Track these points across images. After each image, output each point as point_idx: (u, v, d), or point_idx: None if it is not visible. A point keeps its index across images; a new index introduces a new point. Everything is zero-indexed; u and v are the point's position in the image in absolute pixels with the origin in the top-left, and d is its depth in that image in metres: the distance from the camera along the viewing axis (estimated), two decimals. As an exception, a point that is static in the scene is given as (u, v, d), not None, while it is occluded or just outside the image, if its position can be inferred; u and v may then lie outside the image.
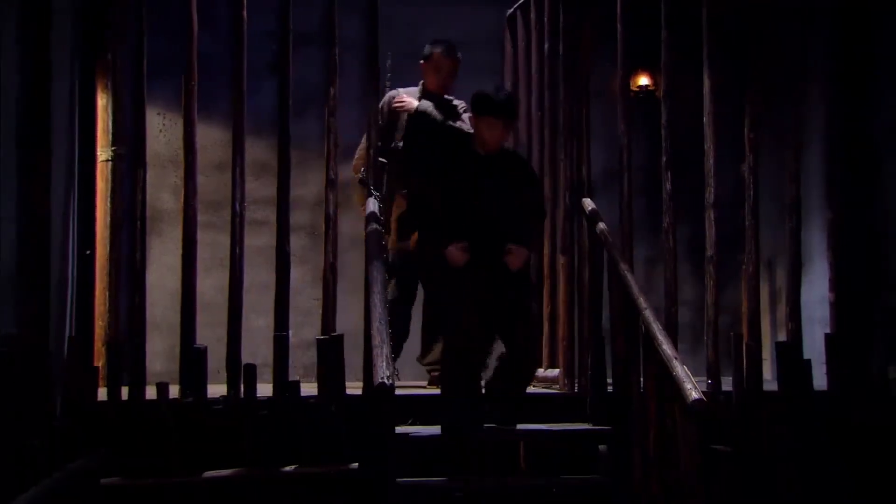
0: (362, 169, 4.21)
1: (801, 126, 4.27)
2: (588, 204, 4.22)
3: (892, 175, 4.29)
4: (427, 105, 4.51)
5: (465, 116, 4.48)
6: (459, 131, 4.46)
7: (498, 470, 3.79)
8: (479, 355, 3.70)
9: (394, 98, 4.51)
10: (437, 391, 4.22)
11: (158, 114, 5.32)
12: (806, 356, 4.02)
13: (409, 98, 4.52)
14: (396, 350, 4.25)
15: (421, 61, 4.55)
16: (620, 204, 4.26)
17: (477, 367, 3.69)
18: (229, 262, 3.88)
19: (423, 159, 4.27)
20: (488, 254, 3.67)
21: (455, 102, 4.59)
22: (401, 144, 4.49)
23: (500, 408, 3.71)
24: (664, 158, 4.20)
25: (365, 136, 4.26)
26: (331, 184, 3.98)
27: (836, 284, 4.13)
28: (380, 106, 4.40)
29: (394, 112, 4.50)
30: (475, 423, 3.62)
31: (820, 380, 4.03)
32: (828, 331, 4.12)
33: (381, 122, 4.39)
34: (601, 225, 4.06)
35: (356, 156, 4.51)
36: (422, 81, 4.57)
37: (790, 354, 4.01)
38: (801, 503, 3.73)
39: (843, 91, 4.47)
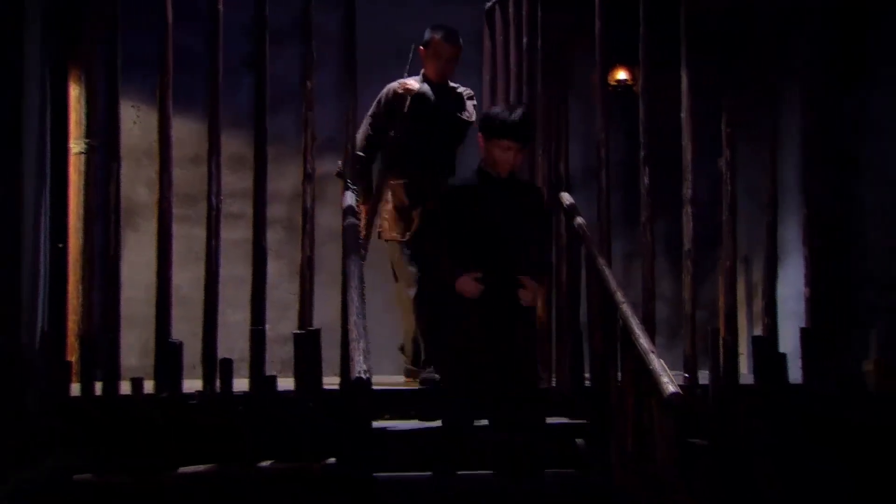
0: (339, 162, 4.18)
1: (778, 123, 4.30)
2: (566, 198, 4.22)
3: (868, 172, 4.32)
4: (427, 89, 4.36)
5: (470, 105, 4.44)
6: (461, 120, 4.38)
7: (476, 464, 3.79)
8: (479, 355, 3.56)
9: (393, 89, 4.38)
10: (416, 386, 4.22)
11: (133, 106, 5.27)
12: (782, 350, 4.05)
13: (412, 81, 4.39)
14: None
15: (420, 47, 4.42)
16: (599, 199, 4.27)
17: (477, 368, 3.57)
18: (205, 255, 3.85)
19: (419, 151, 4.26)
20: (500, 283, 3.50)
21: (460, 90, 4.47)
22: (395, 134, 4.36)
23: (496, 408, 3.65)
24: (642, 154, 4.21)
25: (363, 128, 4.30)
26: (308, 178, 3.95)
27: (812, 280, 4.16)
28: (378, 97, 4.38)
29: (393, 102, 4.35)
30: (472, 422, 3.58)
31: (796, 373, 4.06)
32: (803, 325, 4.15)
33: (378, 111, 4.36)
34: (579, 219, 4.07)
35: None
36: (422, 70, 4.43)
37: (766, 348, 4.04)
38: (779, 497, 3.75)
39: (822, 89, 4.49)
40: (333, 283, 3.95)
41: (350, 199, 3.97)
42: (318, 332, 3.73)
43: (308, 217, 3.91)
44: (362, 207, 4.30)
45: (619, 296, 3.74)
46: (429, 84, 4.40)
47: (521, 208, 3.57)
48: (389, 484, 3.42)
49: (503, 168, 3.52)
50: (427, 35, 4.41)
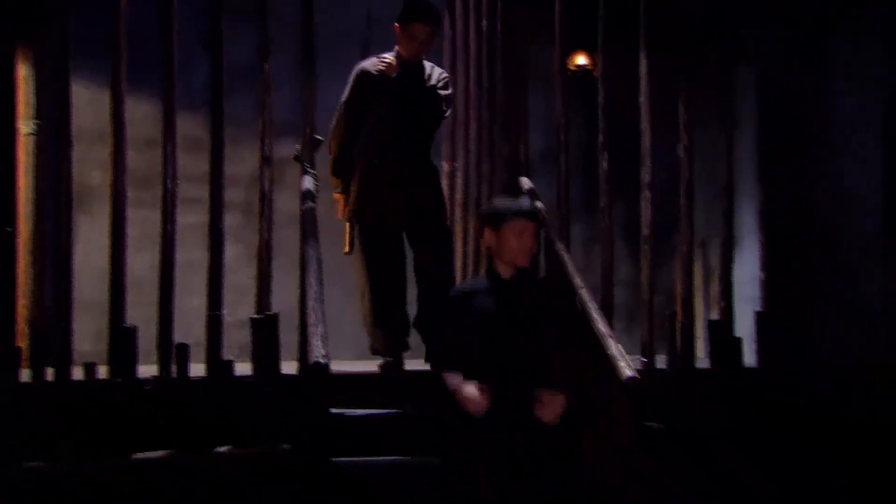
0: (297, 146, 4.13)
1: (735, 109, 4.33)
2: (525, 183, 4.22)
3: (821, 159, 4.38)
4: (403, 68, 4.08)
5: (445, 88, 4.19)
6: (439, 98, 4.14)
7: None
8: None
9: (364, 69, 4.15)
10: (376, 370, 4.20)
11: (86, 87, 5.16)
12: (739, 335, 4.10)
13: (388, 57, 4.11)
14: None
15: (396, 24, 4.15)
16: (558, 184, 4.28)
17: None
18: (160, 240, 3.79)
19: (395, 136, 4.04)
20: (511, 398, 2.98)
21: (436, 71, 4.21)
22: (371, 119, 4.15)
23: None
24: (601, 139, 4.22)
25: (336, 118, 4.16)
26: (266, 161, 3.91)
27: (767, 264, 4.21)
28: (349, 80, 4.19)
29: (367, 83, 4.12)
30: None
31: (753, 357, 4.11)
32: (759, 309, 4.20)
33: (351, 96, 4.15)
34: (538, 204, 4.07)
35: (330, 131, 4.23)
36: (396, 47, 4.16)
37: (721, 332, 4.09)
38: (735, 479, 3.80)
39: (778, 75, 4.53)
40: (292, 267, 3.91)
41: (308, 182, 3.93)
42: (275, 316, 3.70)
43: (266, 201, 3.87)
44: (340, 200, 4.20)
45: (578, 280, 3.75)
46: (403, 63, 4.14)
47: (538, 310, 3.11)
48: (345, 468, 3.40)
49: (524, 256, 3.04)
50: (401, 12, 4.14)
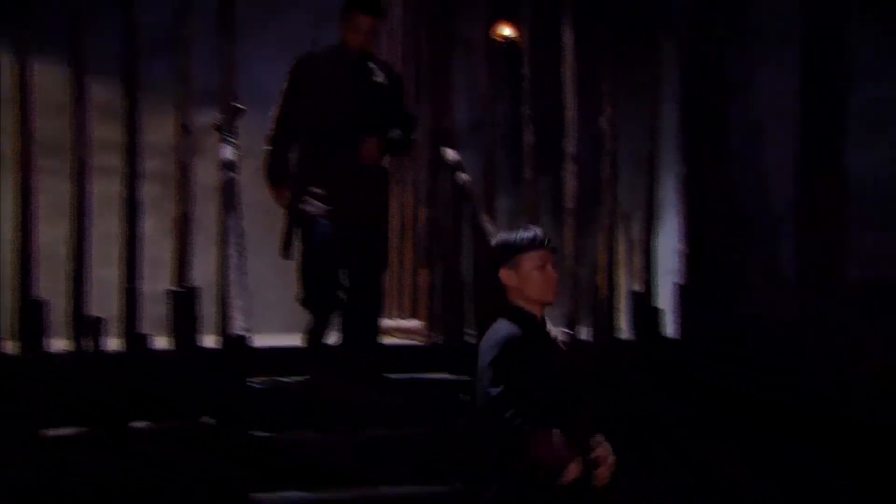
0: (217, 115, 4.02)
1: (659, 82, 4.36)
2: (450, 154, 4.20)
3: (740, 134, 4.44)
4: (344, 60, 3.70)
5: (396, 86, 3.89)
6: (390, 95, 3.79)
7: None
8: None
9: (301, 60, 3.81)
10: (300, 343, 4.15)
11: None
12: (661, 306, 4.16)
13: (326, 50, 3.78)
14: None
15: (340, 13, 3.82)
16: (484, 155, 4.26)
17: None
18: (71, 210, 3.67)
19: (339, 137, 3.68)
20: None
21: (388, 68, 3.89)
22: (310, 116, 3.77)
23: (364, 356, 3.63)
24: (526, 110, 4.21)
25: (277, 105, 3.85)
26: (184, 130, 3.81)
27: (688, 236, 4.27)
28: (289, 71, 3.85)
29: (304, 76, 3.79)
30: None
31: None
32: (680, 281, 4.26)
33: (289, 89, 3.80)
34: (463, 175, 4.06)
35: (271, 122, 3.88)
36: (340, 38, 3.84)
37: (642, 303, 4.14)
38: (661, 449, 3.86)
39: (700, 49, 4.58)
40: (214, 239, 3.83)
41: (228, 152, 3.84)
42: (195, 289, 3.62)
43: (184, 171, 3.77)
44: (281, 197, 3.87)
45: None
46: (346, 55, 3.80)
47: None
48: (267, 442, 3.36)
49: (553, 290, 2.67)
50: (345, 1, 3.82)
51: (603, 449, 2.62)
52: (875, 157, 3.86)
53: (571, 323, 4.13)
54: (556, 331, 2.80)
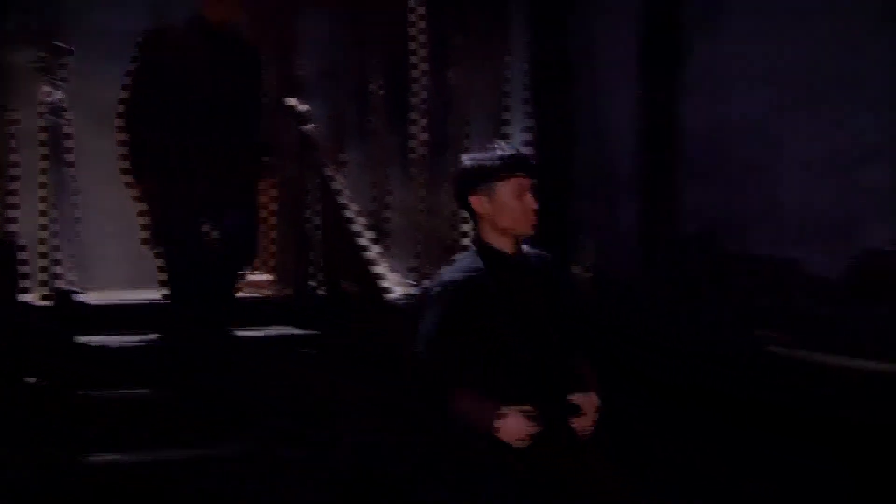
0: (41, 53, 3.75)
1: (508, 37, 4.38)
2: (297, 103, 4.10)
3: (584, 90, 4.53)
4: (202, 35, 3.25)
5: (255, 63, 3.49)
6: (252, 79, 3.42)
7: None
8: None
9: (150, 34, 3.36)
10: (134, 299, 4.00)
11: None
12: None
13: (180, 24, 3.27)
14: None
15: None
16: (332, 106, 4.19)
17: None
18: None
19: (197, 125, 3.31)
20: (548, 414, 2.21)
21: (248, 48, 3.47)
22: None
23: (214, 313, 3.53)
24: (375, 61, 4.16)
25: (126, 87, 3.35)
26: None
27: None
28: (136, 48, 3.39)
29: (152, 54, 3.32)
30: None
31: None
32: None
33: (138, 67, 3.33)
34: (310, 126, 3.97)
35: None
36: (198, 9, 3.38)
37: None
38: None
39: (549, 7, 4.63)
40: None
41: (51, 94, 3.59)
42: (15, 242, 3.40)
43: (2, 115, 3.52)
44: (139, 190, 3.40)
45: (350, 205, 3.72)
46: (203, 28, 3.37)
47: (547, 287, 2.35)
48: (102, 401, 3.23)
49: (530, 221, 2.31)
50: None
51: (582, 396, 2.25)
52: (707, 116, 4.02)
53: (420, 275, 4.15)
54: (533, 252, 2.39)
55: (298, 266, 4.03)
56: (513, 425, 2.13)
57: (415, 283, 4.14)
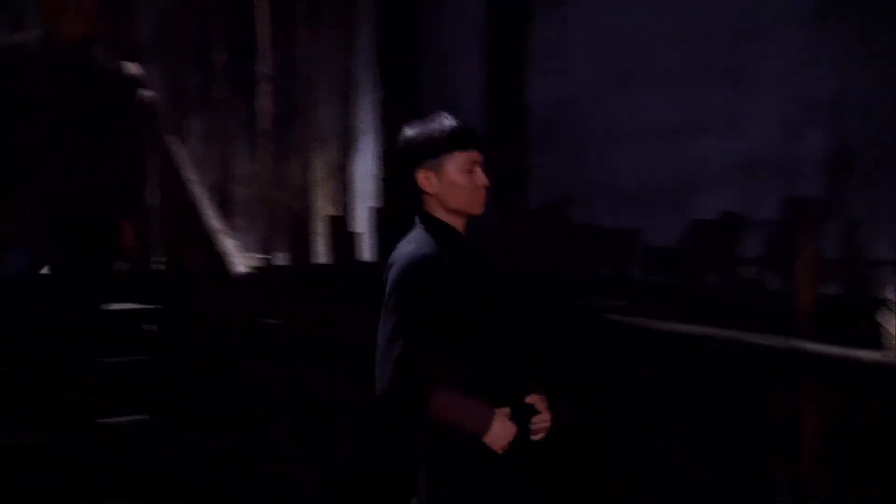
0: None
1: (355, 8, 4.34)
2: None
3: (435, 63, 4.55)
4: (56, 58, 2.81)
5: (140, 94, 3.10)
6: (122, 114, 3.03)
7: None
8: None
9: None
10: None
11: None
12: (358, 230, 4.21)
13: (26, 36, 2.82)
14: None
15: None
16: (172, 74, 4.04)
17: None
18: None
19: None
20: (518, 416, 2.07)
21: (121, 67, 3.01)
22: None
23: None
24: (216, 30, 4.04)
25: None
26: None
27: (383, 160, 4.34)
28: None
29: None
30: None
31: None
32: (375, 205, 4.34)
33: None
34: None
35: None
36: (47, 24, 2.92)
37: (339, 227, 4.18)
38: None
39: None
40: None
41: None
42: None
43: None
44: None
45: (192, 176, 3.61)
46: (61, 49, 2.92)
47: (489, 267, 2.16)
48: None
49: (481, 200, 2.09)
50: None
51: (537, 397, 2.10)
52: (550, 88, 4.11)
53: (267, 248, 4.09)
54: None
55: (138, 239, 3.88)
56: (500, 430, 2.00)
57: (262, 255, 4.08)
